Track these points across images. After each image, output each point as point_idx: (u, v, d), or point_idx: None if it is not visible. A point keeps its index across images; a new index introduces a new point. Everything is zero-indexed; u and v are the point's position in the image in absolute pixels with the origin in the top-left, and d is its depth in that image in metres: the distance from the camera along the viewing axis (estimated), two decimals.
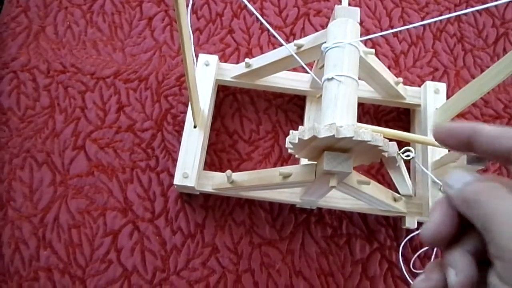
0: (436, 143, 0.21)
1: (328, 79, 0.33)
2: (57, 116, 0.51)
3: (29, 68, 0.53)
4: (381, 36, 0.55)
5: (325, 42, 0.36)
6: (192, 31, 0.55)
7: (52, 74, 0.53)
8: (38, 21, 0.55)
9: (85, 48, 0.54)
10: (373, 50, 0.41)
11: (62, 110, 0.51)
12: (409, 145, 0.37)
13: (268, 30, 0.55)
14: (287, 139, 0.31)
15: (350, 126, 0.28)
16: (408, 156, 0.32)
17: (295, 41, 0.41)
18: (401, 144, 0.36)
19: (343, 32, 0.34)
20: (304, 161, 0.44)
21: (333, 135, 0.28)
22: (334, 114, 0.31)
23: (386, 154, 0.30)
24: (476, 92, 0.40)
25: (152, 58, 0.54)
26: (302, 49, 0.41)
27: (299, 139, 0.30)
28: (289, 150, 0.33)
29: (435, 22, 0.56)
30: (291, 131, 0.31)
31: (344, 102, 0.31)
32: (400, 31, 0.55)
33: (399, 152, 0.33)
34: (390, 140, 0.33)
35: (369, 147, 0.30)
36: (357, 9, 0.36)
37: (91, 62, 0.53)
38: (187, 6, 0.48)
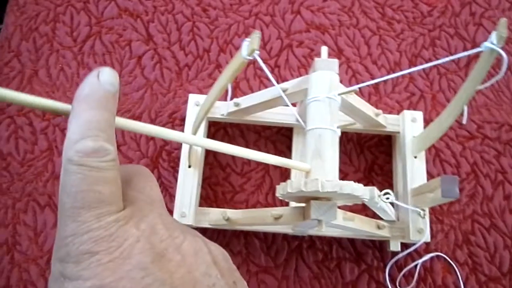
0: None
1: (309, 130, 0.37)
2: (56, 159, 0.53)
3: (25, 112, 0.55)
4: (360, 63, 0.58)
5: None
6: (181, 67, 0.58)
7: (48, 117, 0.55)
8: (31, 65, 0.57)
9: None
10: (353, 91, 0.44)
11: (60, 153, 0.53)
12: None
13: (254, 64, 0.58)
14: (277, 193, 0.34)
15: (333, 181, 0.31)
16: (387, 198, 0.35)
17: (281, 85, 0.44)
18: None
19: (321, 85, 0.37)
20: None
21: (318, 190, 0.31)
22: (318, 166, 0.34)
23: (365, 201, 0.34)
24: (448, 118, 0.43)
25: (143, 96, 0.56)
26: (286, 92, 0.44)
27: (287, 192, 0.33)
28: (280, 197, 0.36)
29: (410, 48, 0.59)
30: (278, 185, 0.34)
31: (328, 154, 0.35)
32: (382, 73, 0.58)
33: (380, 195, 0.36)
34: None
35: (351, 195, 0.33)
36: (336, 61, 0.39)
37: None
38: None
